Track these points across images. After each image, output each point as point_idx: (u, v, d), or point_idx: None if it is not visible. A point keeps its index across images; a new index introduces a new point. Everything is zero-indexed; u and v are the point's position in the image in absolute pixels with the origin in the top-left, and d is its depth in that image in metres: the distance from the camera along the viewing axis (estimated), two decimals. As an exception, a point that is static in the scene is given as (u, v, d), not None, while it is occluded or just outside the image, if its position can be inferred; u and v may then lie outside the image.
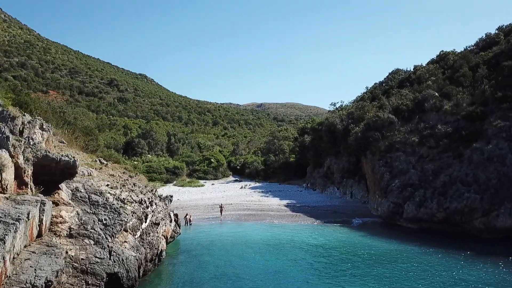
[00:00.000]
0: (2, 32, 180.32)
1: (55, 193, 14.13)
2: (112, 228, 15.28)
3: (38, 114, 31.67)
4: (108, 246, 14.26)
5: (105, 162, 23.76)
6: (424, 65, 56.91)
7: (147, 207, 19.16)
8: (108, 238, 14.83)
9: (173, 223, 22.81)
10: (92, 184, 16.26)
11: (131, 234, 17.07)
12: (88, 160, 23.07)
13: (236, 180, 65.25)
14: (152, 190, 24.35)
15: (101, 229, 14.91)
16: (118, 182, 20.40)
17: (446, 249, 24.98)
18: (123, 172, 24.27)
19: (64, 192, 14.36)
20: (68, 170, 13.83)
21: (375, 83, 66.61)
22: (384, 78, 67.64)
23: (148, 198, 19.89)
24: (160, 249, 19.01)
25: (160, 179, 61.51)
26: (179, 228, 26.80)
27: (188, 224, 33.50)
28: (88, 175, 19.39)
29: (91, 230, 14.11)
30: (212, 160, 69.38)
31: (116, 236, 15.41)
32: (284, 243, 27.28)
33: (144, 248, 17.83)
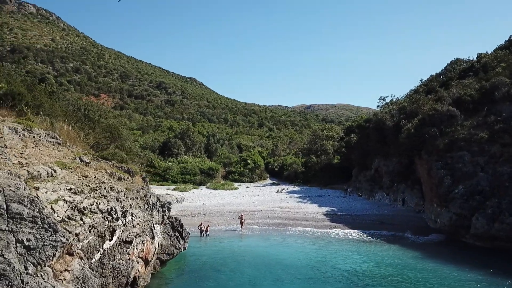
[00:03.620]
0: (60, 39, 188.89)
1: None
2: (39, 253, 10.76)
3: (41, 110, 28.55)
4: (21, 281, 9.72)
5: (87, 161, 19.61)
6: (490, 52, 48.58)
7: (117, 219, 14.56)
8: (29, 268, 10.33)
9: (159, 239, 18.11)
10: (20, 188, 11.85)
11: (81, 258, 12.50)
12: (67, 158, 19.00)
13: (273, 183, 59.97)
14: (146, 196, 19.87)
15: (20, 254, 10.43)
16: (88, 186, 16.05)
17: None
18: (110, 173, 20.01)
19: (-37, 199, 9.98)
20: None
21: (431, 75, 58.52)
22: (442, 69, 59.38)
23: (122, 207, 15.29)
24: (131, 276, 14.31)
25: (194, 181, 57.84)
26: (184, 242, 22.13)
27: (204, 234, 28.85)
28: (49, 176, 15.24)
29: (-5, 257, 9.57)
30: (248, 161, 64.64)
31: (46, 263, 10.86)
32: (316, 266, 21.67)
33: (104, 277, 13.21)
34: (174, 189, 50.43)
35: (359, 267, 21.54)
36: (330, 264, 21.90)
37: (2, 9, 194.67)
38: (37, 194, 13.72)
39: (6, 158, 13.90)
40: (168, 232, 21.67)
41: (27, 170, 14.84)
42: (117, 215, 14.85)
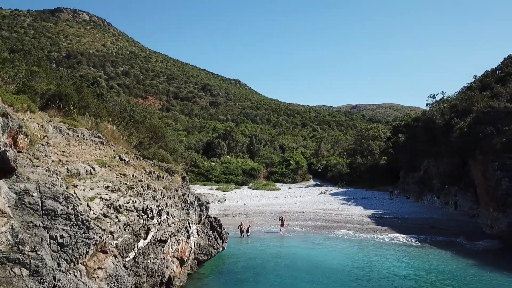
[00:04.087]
0: (111, 45, 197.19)
1: (-15, 197, 9.91)
2: (72, 250, 10.72)
3: (88, 110, 29.47)
4: (53, 278, 9.67)
5: (127, 159, 19.77)
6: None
7: (152, 217, 14.41)
8: (62, 265, 10.30)
9: (195, 239, 17.79)
10: (56, 185, 11.92)
11: (115, 256, 12.42)
12: (107, 157, 19.26)
13: (316, 185, 58.63)
14: (184, 195, 19.75)
15: (54, 251, 10.43)
16: (125, 184, 16.08)
17: None
18: (149, 172, 20.07)
19: (1, 196, 10.11)
20: (-5, 165, 9.55)
21: (486, 71, 54.64)
22: (498, 65, 55.29)
23: (158, 206, 15.14)
24: (166, 276, 14.09)
25: (236, 181, 57.85)
26: (223, 242, 21.80)
27: (245, 235, 28.45)
28: (87, 173, 15.40)
29: (29, 253, 9.63)
30: (291, 161, 63.73)
31: (79, 261, 10.81)
32: (358, 271, 20.61)
33: (138, 276, 13.07)
34: (216, 189, 50.65)
35: (407, 273, 20.21)
36: (374, 270, 20.74)
37: (59, 17, 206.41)
38: (74, 191, 13.85)
39: (46, 156, 14.13)
40: (207, 232, 21.44)
41: (67, 168, 15.05)
42: (153, 214, 14.71)
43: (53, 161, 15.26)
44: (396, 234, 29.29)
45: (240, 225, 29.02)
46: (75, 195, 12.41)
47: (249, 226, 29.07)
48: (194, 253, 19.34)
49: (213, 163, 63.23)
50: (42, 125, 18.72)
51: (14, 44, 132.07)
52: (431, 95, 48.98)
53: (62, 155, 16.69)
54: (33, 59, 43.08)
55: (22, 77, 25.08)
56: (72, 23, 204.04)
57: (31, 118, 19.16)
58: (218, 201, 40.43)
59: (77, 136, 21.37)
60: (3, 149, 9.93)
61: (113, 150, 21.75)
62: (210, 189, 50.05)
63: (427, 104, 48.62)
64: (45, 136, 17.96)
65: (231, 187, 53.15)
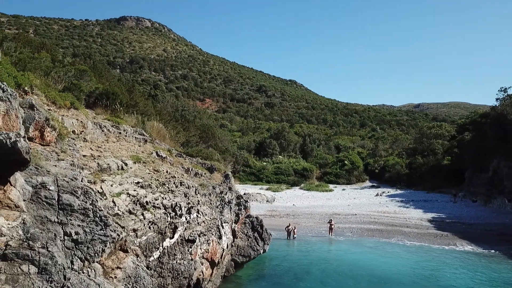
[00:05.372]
0: (171, 49, 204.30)
1: (0, 190, 9.60)
2: (88, 248, 10.14)
3: (136, 109, 29.91)
4: (63, 277, 9.10)
5: (164, 155, 19.32)
6: None
7: (181, 215, 13.64)
8: (75, 263, 9.74)
9: (228, 239, 16.72)
10: (76, 179, 11.47)
11: (137, 255, 11.76)
12: (144, 153, 18.97)
13: (372, 186, 55.53)
14: (221, 193, 18.92)
15: (68, 248, 9.93)
16: (157, 180, 15.52)
17: None
18: (187, 169, 19.48)
19: (17, 189, 9.76)
20: (9, 156, 9.15)
21: None
22: None
23: (188, 203, 14.36)
24: (194, 278, 13.23)
25: (287, 181, 56.52)
26: (264, 244, 20.67)
27: (292, 237, 27.13)
28: (119, 169, 15.04)
29: (39, 249, 9.12)
30: (345, 162, 61.04)
31: (94, 259, 10.20)
32: (414, 280, 18.57)
33: (163, 277, 12.33)
34: (267, 189, 49.69)
35: (470, 285, 17.79)
36: (432, 279, 18.54)
37: (123, 25, 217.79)
38: (101, 186, 13.46)
39: (74, 150, 13.87)
40: (247, 232, 20.44)
41: (97, 163, 14.74)
42: (181, 212, 13.95)
43: (84, 155, 15.03)
44: (460, 240, 26.45)
45: (287, 226, 27.75)
46: (96, 190, 11.94)
47: (295, 227, 27.67)
48: (231, 255, 18.42)
49: (265, 163, 62.41)
50: (81, 121, 18.78)
51: (83, 51, 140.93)
52: (502, 89, 44.31)
53: (97, 150, 16.51)
54: (92, 62, 44.95)
55: (71, 76, 25.75)
56: (136, 30, 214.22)
57: (73, 115, 19.37)
58: (267, 201, 39.39)
59: (119, 133, 21.35)
60: (14, 139, 9.53)
61: (154, 147, 21.51)
62: (260, 189, 49.20)
63: (497, 99, 44.06)
64: (82, 131, 17.97)
65: (281, 187, 51.92)
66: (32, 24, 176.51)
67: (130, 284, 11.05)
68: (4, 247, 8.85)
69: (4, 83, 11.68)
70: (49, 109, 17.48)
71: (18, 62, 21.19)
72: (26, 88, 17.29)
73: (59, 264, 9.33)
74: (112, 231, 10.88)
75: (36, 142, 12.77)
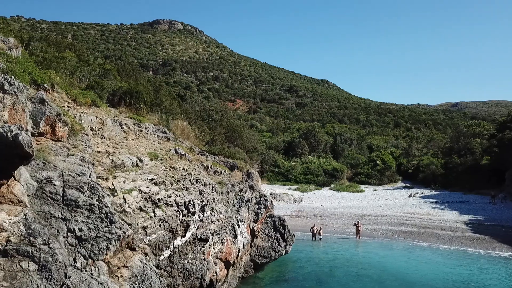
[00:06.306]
0: (202, 51, 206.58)
1: (3, 185, 9.41)
2: (92, 245, 9.82)
3: (161, 108, 30.03)
4: (63, 275, 8.81)
5: (183, 153, 18.98)
6: None
7: (193, 213, 13.16)
8: (78, 260, 9.45)
9: (244, 239, 16.01)
10: (84, 175, 11.19)
11: (146, 254, 11.38)
12: (163, 150, 18.74)
13: (405, 187, 53.33)
14: (241, 191, 18.37)
15: (71, 245, 9.66)
16: (172, 177, 15.14)
17: None
18: (206, 166, 19.07)
19: (21, 183, 9.57)
20: (11, 150, 8.93)
21: None
22: None
23: (202, 201, 13.87)
24: (207, 279, 12.70)
25: (316, 181, 55.30)
26: (286, 245, 19.92)
27: (317, 238, 26.22)
28: (133, 166, 14.81)
29: (40, 246, 8.85)
30: (377, 162, 59.03)
31: (99, 257, 9.87)
32: (446, 286, 17.26)
33: (173, 277, 11.88)
34: (295, 189, 48.78)
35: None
36: (463, 285, 17.18)
37: (156, 29, 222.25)
38: (112, 183, 13.19)
39: (86, 145, 13.66)
40: (268, 232, 19.77)
41: (111, 159, 14.54)
42: (195, 209, 13.47)
43: (98, 152, 14.86)
44: (499, 244, 24.70)
45: (312, 227, 26.86)
46: (104, 186, 11.64)
47: (320, 228, 26.72)
48: (250, 255, 17.80)
49: (293, 163, 61.43)
50: (100, 118, 18.73)
51: (118, 54, 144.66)
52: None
53: (113, 147, 16.33)
54: (123, 63, 45.63)
55: (95, 75, 25.97)
56: (168, 33, 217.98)
57: (93, 112, 19.38)
58: (294, 201, 38.54)
59: (140, 130, 21.24)
60: (15, 132, 9.31)
61: (174, 144, 21.26)
62: (288, 189, 48.35)
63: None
64: (100, 128, 17.88)
65: (310, 187, 50.84)
66: (71, 29, 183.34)
67: (136, 284, 10.65)
68: (5, 243, 8.61)
69: (12, 76, 11.56)
70: (68, 106, 17.49)
71: (43, 62, 21.42)
72: (46, 86, 17.36)
73: (60, 262, 9.02)
74: (117, 228, 10.53)
75: (47, 137, 12.63)
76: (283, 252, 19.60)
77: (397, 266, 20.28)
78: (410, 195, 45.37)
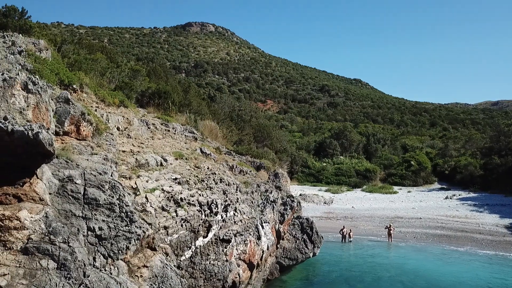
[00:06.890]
0: (233, 53, 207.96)
1: (26, 183, 9.51)
2: (111, 244, 9.76)
3: (190, 108, 30.23)
4: (82, 274, 8.78)
5: (208, 152, 18.86)
6: None
7: (216, 213, 12.94)
8: (97, 259, 9.41)
9: (269, 240, 15.59)
10: (106, 173, 11.18)
11: (166, 254, 11.25)
12: (189, 150, 18.71)
13: (441, 188, 51.20)
14: (266, 191, 18.03)
15: (91, 243, 9.64)
16: (196, 176, 15.01)
17: None
18: (231, 166, 18.85)
19: (43, 182, 9.64)
20: (33, 148, 9.01)
21: None
22: None
23: (225, 201, 13.63)
24: (229, 280, 12.44)
25: (348, 182, 54.12)
26: (314, 247, 19.42)
27: (347, 240, 25.49)
28: (157, 165, 14.80)
29: (60, 244, 8.87)
30: (412, 162, 57.06)
31: (118, 256, 9.81)
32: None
33: (194, 278, 11.69)
34: (326, 190, 47.88)
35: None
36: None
37: (189, 31, 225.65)
38: (135, 182, 13.18)
39: (110, 145, 13.72)
40: (295, 234, 19.33)
41: (135, 158, 14.57)
42: (217, 209, 13.25)
43: (123, 151, 14.94)
44: (546, 251, 23.10)
45: (342, 229, 26.14)
46: (126, 185, 11.60)
47: (350, 230, 25.96)
48: (276, 257, 17.42)
49: (324, 164, 60.44)
50: (127, 118, 18.92)
51: (150, 57, 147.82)
52: None
53: (138, 146, 16.42)
54: (154, 65, 46.34)
55: (124, 76, 26.37)
56: (200, 35, 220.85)
57: (121, 112, 19.61)
58: (324, 203, 37.79)
59: (167, 130, 21.36)
60: (36, 130, 9.37)
61: (201, 144, 21.20)
62: (319, 190, 47.52)
63: None
64: (127, 127, 18.04)
65: (342, 189, 49.75)
66: (107, 34, 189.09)
67: (156, 284, 10.51)
68: (26, 241, 8.65)
69: (36, 76, 11.74)
70: (97, 106, 17.74)
71: (75, 63, 21.89)
72: (75, 86, 17.66)
73: (79, 260, 8.98)
74: (137, 228, 10.43)
75: (72, 136, 12.75)
76: (311, 255, 19.10)
77: (431, 272, 19.30)
78: (446, 197, 43.49)
